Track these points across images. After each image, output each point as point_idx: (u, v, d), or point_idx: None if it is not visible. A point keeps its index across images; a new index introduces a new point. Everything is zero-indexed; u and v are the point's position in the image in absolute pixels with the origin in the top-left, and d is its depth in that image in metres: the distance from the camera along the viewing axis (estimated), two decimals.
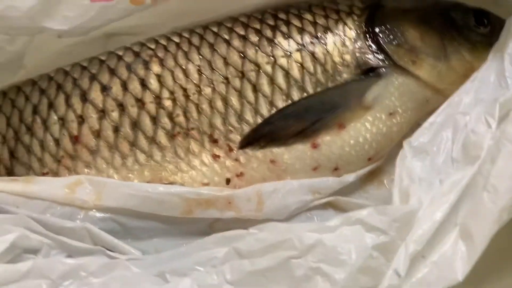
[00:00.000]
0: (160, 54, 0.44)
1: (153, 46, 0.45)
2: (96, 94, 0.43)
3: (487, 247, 0.31)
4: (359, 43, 0.43)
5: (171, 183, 0.42)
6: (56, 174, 0.42)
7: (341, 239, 0.31)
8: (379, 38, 0.43)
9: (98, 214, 0.40)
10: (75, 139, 0.42)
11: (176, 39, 0.45)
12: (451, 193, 0.34)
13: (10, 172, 0.42)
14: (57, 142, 0.42)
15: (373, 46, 0.43)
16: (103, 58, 0.45)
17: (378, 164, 0.46)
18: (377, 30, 0.43)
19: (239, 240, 0.34)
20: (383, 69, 0.43)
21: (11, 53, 0.47)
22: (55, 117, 0.43)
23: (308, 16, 0.45)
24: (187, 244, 0.41)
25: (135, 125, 0.42)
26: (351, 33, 0.44)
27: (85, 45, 0.52)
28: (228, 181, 0.42)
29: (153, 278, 0.34)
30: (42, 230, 0.36)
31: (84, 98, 0.43)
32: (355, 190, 0.46)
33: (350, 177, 0.44)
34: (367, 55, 0.43)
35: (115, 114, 0.42)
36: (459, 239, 0.32)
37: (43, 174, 0.42)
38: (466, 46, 0.43)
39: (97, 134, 0.42)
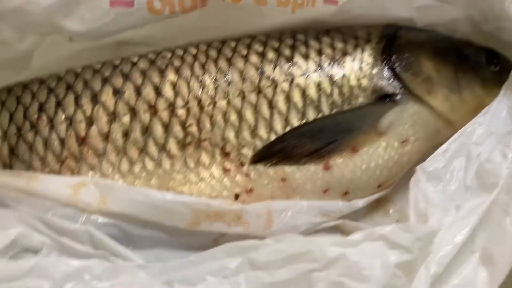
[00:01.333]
0: (177, 63, 0.44)
1: (169, 55, 0.45)
2: (107, 97, 0.42)
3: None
4: (376, 69, 0.44)
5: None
6: (58, 175, 0.40)
7: (364, 255, 0.30)
8: (396, 66, 0.44)
9: (101, 219, 0.38)
10: (82, 140, 0.40)
11: (193, 51, 0.45)
12: (470, 218, 0.34)
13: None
14: (62, 142, 0.40)
15: (390, 73, 0.44)
16: (116, 62, 0.44)
17: (386, 192, 0.45)
18: (394, 58, 0.44)
19: (253, 251, 0.32)
20: (399, 96, 0.43)
21: (20, 51, 0.46)
22: (63, 117, 0.41)
23: (327, 40, 0.45)
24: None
25: (146, 131, 0.41)
26: (369, 59, 0.44)
27: (94, 51, 0.51)
28: (237, 196, 0.41)
29: (161, 287, 0.31)
30: (44, 229, 0.34)
31: (95, 99, 0.42)
32: (362, 216, 0.45)
33: (359, 203, 0.43)
34: (383, 82, 0.43)
35: (126, 119, 0.41)
36: (480, 264, 0.32)
37: None
38: (478, 82, 0.45)
39: (106, 137, 0.40)
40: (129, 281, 0.31)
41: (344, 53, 0.44)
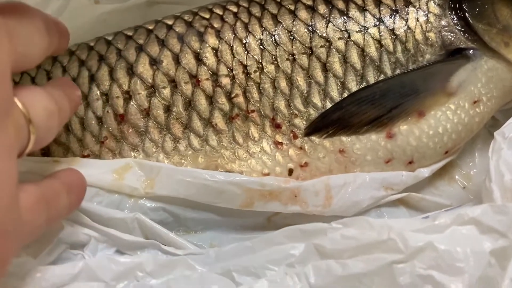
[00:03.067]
0: (216, 24, 0.39)
1: (207, 16, 0.40)
2: (144, 68, 0.38)
3: None
4: (444, 20, 0.38)
5: (227, 171, 0.37)
6: (98, 157, 0.37)
7: (454, 242, 0.26)
8: (467, 16, 0.38)
9: (149, 203, 0.35)
10: (121, 118, 0.37)
11: (233, 9, 0.40)
12: None
13: (45, 153, 0.37)
14: (100, 120, 0.37)
15: (461, 24, 0.38)
16: (150, 27, 0.40)
17: (453, 158, 0.41)
18: (464, 6, 0.38)
19: (320, 236, 0.29)
20: (471, 51, 0.38)
21: None
22: (98, 92, 0.37)
23: None
24: (245, 238, 0.37)
25: (189, 104, 0.37)
26: (435, 8, 0.39)
27: (123, 13, 0.46)
28: (290, 172, 0.38)
29: (219, 279, 0.29)
30: (88, 221, 0.31)
31: (131, 71, 0.38)
32: (425, 186, 0.41)
33: (425, 172, 0.39)
34: (453, 34, 0.38)
35: (166, 91, 0.37)
36: None
37: (83, 157, 0.37)
38: None
39: (146, 113, 0.37)
40: (186, 275, 0.29)
41: (407, 3, 0.39)
